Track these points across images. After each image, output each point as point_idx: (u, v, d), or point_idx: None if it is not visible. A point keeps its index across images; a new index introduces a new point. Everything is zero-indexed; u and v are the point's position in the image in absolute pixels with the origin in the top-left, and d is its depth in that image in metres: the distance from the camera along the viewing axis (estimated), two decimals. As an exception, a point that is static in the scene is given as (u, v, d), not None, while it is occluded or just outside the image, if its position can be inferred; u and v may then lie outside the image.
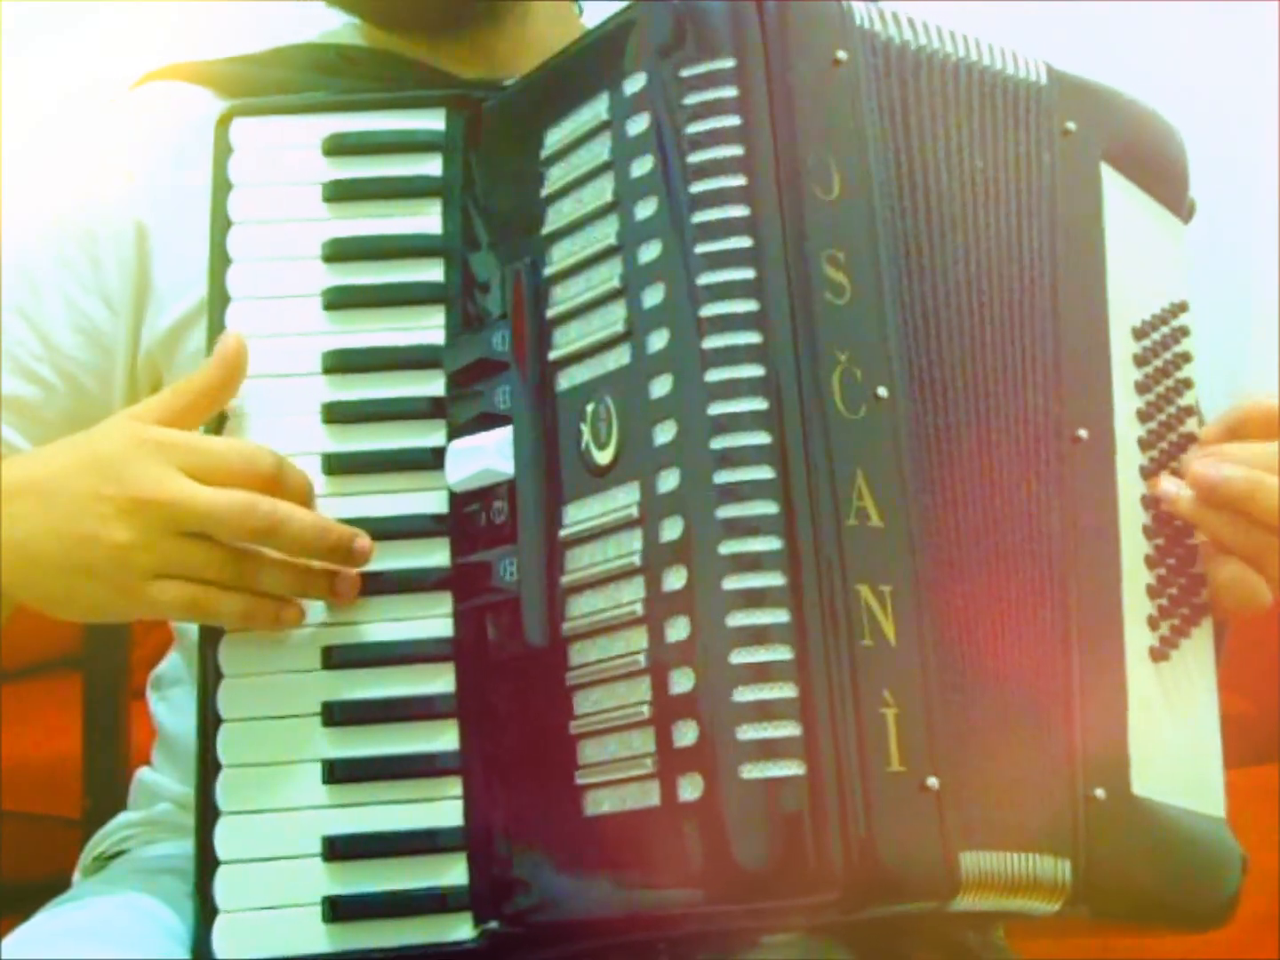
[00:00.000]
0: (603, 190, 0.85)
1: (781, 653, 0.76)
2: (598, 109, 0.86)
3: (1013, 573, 0.85)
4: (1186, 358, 0.97)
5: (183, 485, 0.84)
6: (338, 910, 0.84)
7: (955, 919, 0.85)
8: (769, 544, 0.77)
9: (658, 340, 0.81)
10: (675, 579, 0.78)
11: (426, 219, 0.94)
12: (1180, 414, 0.95)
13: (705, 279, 0.80)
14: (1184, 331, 0.98)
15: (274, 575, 0.86)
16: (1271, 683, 2.05)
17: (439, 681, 0.87)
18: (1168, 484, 0.92)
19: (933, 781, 0.76)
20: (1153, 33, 2.05)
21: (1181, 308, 0.98)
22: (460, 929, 0.84)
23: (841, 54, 0.85)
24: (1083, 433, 0.89)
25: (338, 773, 0.85)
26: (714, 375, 0.79)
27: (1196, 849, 0.90)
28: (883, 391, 0.81)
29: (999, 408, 0.87)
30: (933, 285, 0.86)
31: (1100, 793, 0.84)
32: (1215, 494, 0.90)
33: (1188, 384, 0.97)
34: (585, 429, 0.83)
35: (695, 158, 0.82)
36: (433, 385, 0.91)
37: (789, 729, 0.75)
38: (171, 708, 1.10)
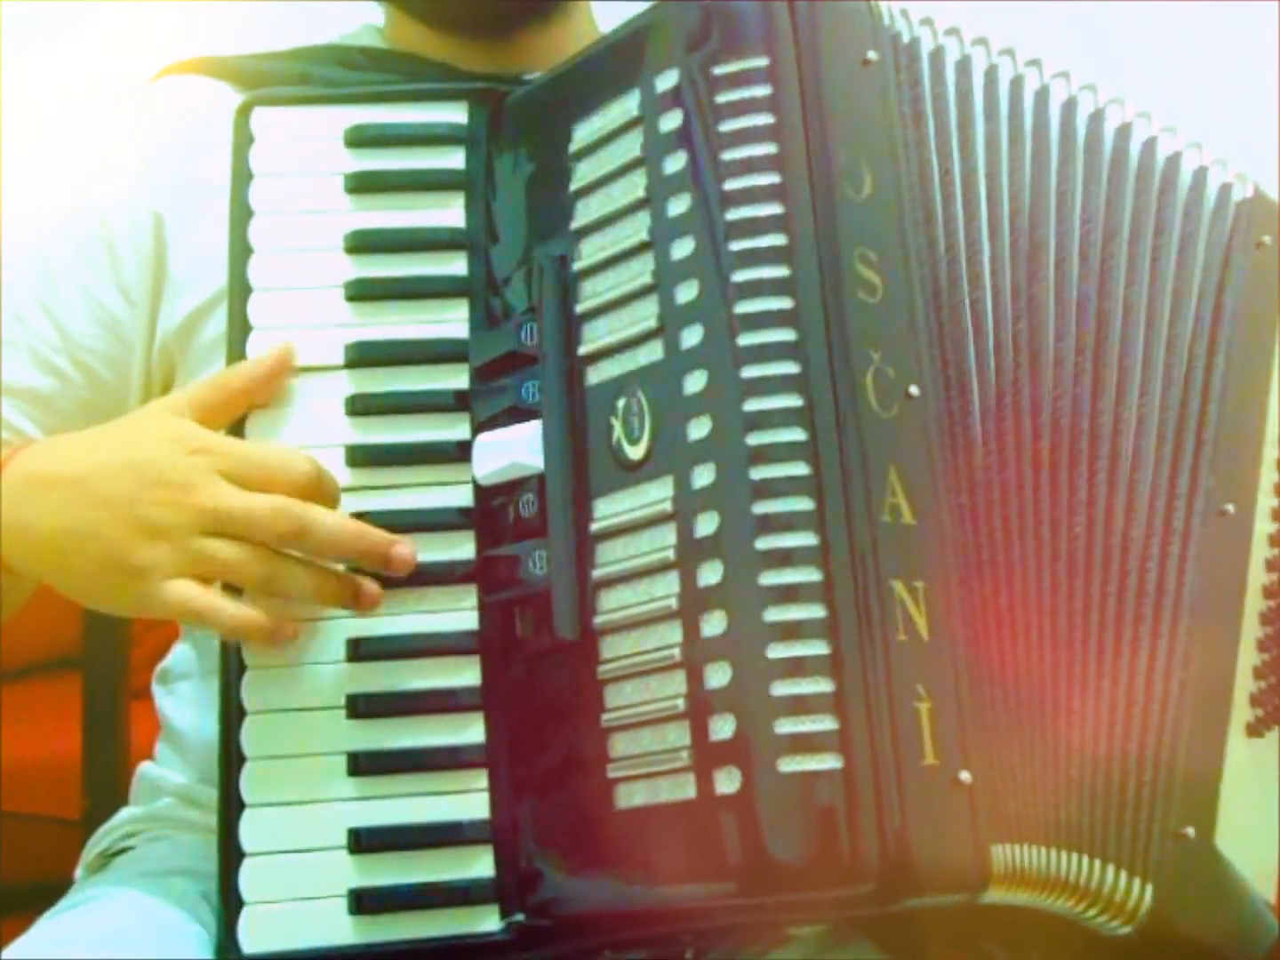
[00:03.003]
0: (634, 186, 0.85)
1: (818, 648, 0.76)
2: (628, 105, 0.86)
3: (1102, 587, 0.87)
4: None
5: (223, 491, 0.84)
6: (363, 903, 0.83)
7: (987, 930, 0.86)
8: (804, 540, 0.77)
9: (691, 336, 0.81)
10: (710, 574, 0.78)
11: (449, 212, 0.94)
12: None
13: (739, 276, 0.80)
14: None
15: (298, 578, 0.85)
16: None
17: (465, 674, 0.87)
18: None
19: (965, 775, 0.77)
20: (1153, 33, 2.06)
21: None
22: (486, 921, 0.84)
23: (872, 54, 0.86)
24: (1230, 507, 0.92)
25: (363, 765, 0.85)
26: (748, 372, 0.79)
27: (1250, 917, 0.91)
28: (914, 390, 0.81)
29: (1083, 427, 0.89)
30: (981, 292, 0.87)
31: (1190, 831, 0.86)
32: None
33: None
34: (616, 423, 0.83)
35: (728, 155, 0.82)
36: (457, 378, 0.91)
37: (826, 723, 0.75)
38: (178, 701, 1.09)
